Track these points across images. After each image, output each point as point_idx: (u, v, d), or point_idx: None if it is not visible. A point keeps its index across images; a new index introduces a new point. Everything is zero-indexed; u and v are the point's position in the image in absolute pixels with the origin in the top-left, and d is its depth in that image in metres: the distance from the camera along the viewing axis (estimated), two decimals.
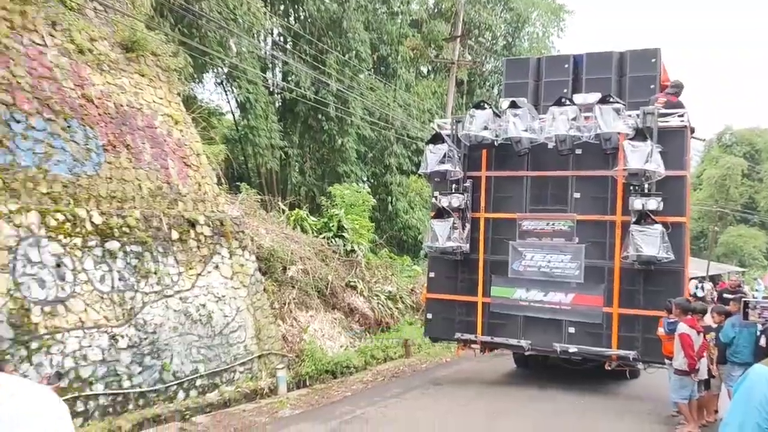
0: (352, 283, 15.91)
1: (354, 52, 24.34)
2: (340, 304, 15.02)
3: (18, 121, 8.41)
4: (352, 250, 16.93)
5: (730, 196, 47.29)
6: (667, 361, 8.95)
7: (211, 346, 10.16)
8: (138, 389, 8.72)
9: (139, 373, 8.83)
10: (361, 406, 9.36)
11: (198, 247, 10.46)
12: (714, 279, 34.72)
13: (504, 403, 9.46)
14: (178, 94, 12.06)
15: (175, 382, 9.34)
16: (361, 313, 15.46)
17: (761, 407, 2.30)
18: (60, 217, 8.32)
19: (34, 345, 7.56)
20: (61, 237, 8.24)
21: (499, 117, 10.50)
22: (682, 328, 8.04)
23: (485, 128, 10.38)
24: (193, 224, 10.50)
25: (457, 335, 10.85)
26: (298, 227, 16.75)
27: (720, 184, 46.74)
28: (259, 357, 11.06)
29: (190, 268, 10.17)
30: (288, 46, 25.55)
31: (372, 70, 25.44)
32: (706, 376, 8.52)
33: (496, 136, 10.39)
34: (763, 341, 8.19)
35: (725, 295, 13.40)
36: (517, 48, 28.45)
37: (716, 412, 8.78)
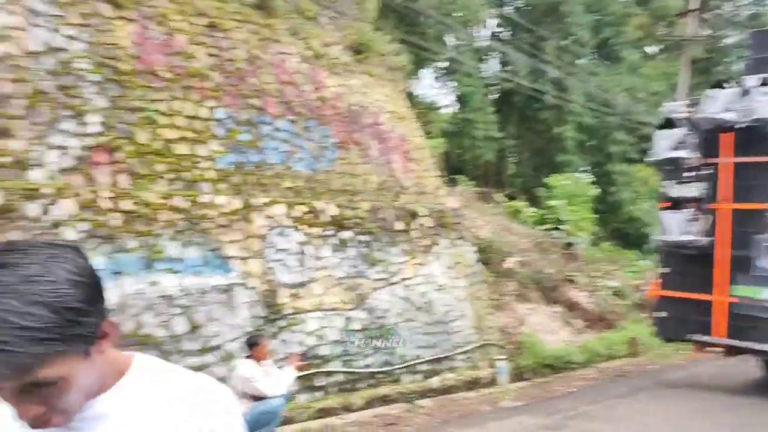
0: (572, 277, 15.44)
1: (573, 36, 23.48)
2: (559, 298, 14.66)
3: (267, 124, 9.44)
4: (572, 243, 16.43)
5: None
6: None
7: (432, 333, 10.53)
8: (368, 369, 9.34)
9: (370, 354, 9.45)
10: (584, 403, 9.07)
11: (420, 238, 10.88)
12: None
13: (749, 415, 8.53)
14: (403, 91, 12.62)
15: (401, 366, 9.83)
16: (582, 308, 14.94)
17: None
18: (303, 209, 9.20)
19: (281, 323, 8.47)
20: (304, 227, 9.11)
21: (744, 96, 9.44)
22: None
23: (727, 110, 9.40)
24: (415, 216, 10.94)
25: (693, 336, 10.01)
26: (515, 219, 16.67)
27: None
28: (480, 347, 11.21)
29: (413, 258, 10.62)
30: (504, 37, 25.40)
31: (593, 54, 24.30)
32: None
33: (741, 117, 9.35)
34: None
35: None
36: (765, 17, 25.27)
37: None
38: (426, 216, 11.11)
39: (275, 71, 9.97)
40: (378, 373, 9.47)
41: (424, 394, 9.64)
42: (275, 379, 6.75)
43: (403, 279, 10.33)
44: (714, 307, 9.79)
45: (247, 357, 6.79)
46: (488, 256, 13.09)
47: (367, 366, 9.36)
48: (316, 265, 9.18)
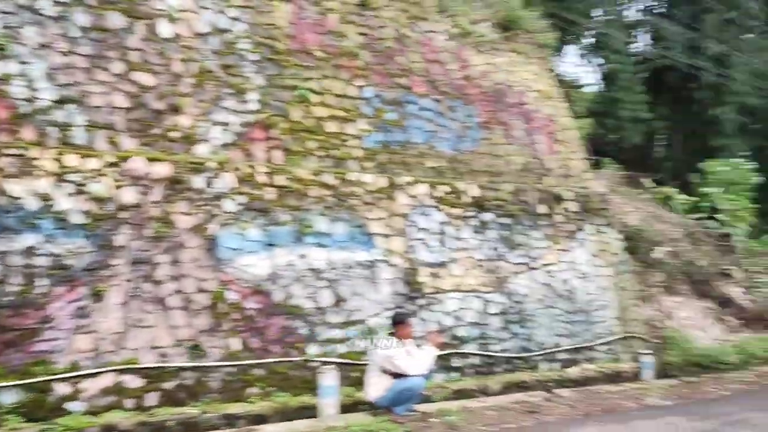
0: (726, 271, 14.29)
1: (739, 10, 21.44)
2: (711, 293, 13.62)
3: (412, 103, 9.45)
4: (728, 234, 15.19)
5: None
6: None
7: (573, 322, 10.16)
8: (505, 354, 9.19)
9: (507, 339, 9.29)
10: (745, 408, 8.37)
11: (564, 222, 10.50)
12: None
13: None
14: (550, 69, 12.17)
15: (539, 353, 9.59)
16: (738, 304, 13.80)
17: None
18: (445, 189, 9.16)
19: (421, 302, 8.52)
20: (445, 207, 9.07)
21: None
22: None
23: None
24: (559, 199, 10.56)
25: None
26: (665, 206, 15.66)
27: None
28: (622, 338, 10.69)
29: (556, 243, 10.27)
30: (658, 10, 23.74)
31: (763, 27, 22.10)
32: None
33: None
34: None
35: None
36: None
37: None
38: (571, 200, 10.69)
39: (422, 50, 9.94)
40: (515, 358, 9.31)
41: (562, 383, 9.34)
42: (416, 358, 6.80)
43: (545, 264, 10.03)
44: None
45: (391, 334, 6.89)
46: (635, 244, 12.38)
47: (504, 350, 9.22)
48: (456, 246, 9.13)
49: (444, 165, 9.51)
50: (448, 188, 9.23)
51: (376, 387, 6.76)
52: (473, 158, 9.93)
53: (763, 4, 21.91)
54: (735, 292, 14.00)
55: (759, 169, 21.03)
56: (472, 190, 9.51)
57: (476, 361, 8.90)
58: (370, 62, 9.20)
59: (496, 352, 9.09)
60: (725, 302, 13.65)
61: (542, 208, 10.27)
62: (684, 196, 16.47)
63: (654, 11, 24.18)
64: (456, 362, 8.67)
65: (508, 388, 8.71)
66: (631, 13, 24.53)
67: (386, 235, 8.42)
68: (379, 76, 9.20)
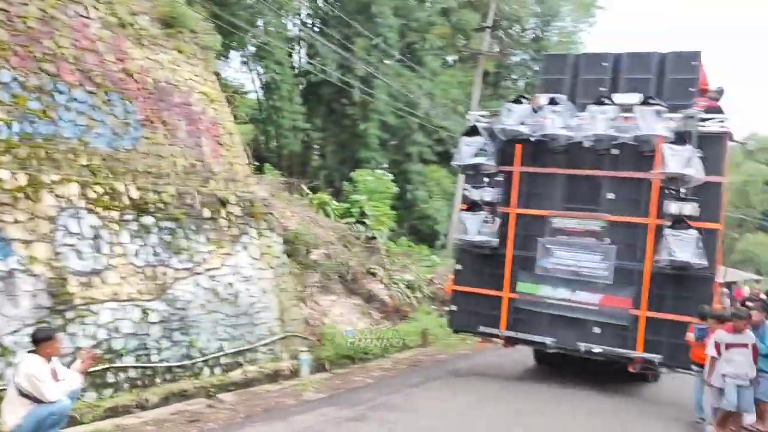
0: (372, 270, 15.96)
1: (382, 37, 24.22)
2: (360, 290, 15.08)
3: (61, 92, 8.45)
4: (373, 237, 16.98)
5: (750, 202, 46.87)
6: (694, 367, 8.93)
7: (236, 326, 10.24)
8: (165, 363, 8.80)
9: (168, 348, 8.91)
10: (384, 393, 9.42)
11: (228, 227, 10.51)
12: (729, 285, 34.53)
13: (530, 400, 9.48)
14: (215, 73, 12.08)
15: (201, 359, 9.42)
16: (380, 300, 15.52)
17: None
18: (99, 189, 8.39)
19: (69, 315, 7.65)
20: (99, 209, 8.31)
21: (536, 112, 10.43)
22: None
23: (522, 123, 10.32)
24: (224, 203, 10.55)
25: (481, 328, 10.87)
26: (321, 211, 16.81)
27: (741, 190, 46.29)
28: (282, 338, 11.13)
29: (220, 247, 10.23)
30: (316, 29, 25.46)
31: (399, 56, 25.30)
32: None
33: (533, 131, 10.33)
34: None
35: (748, 303, 13.29)
36: (545, 42, 28.24)
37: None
38: (235, 204, 10.75)
39: (74, 35, 8.96)
40: (176, 367, 8.98)
41: (225, 387, 9.35)
42: (62, 380, 6.07)
43: (209, 269, 9.90)
44: (502, 302, 10.71)
45: (32, 352, 6.02)
46: (295, 247, 13.04)
47: (165, 360, 8.83)
48: (113, 252, 8.43)
49: (99, 163, 8.71)
50: (103, 189, 8.47)
51: (14, 414, 5.83)
52: (133, 157, 9.30)
53: (398, 36, 25.05)
54: (378, 288, 15.71)
55: (395, 180, 24.02)
56: (131, 192, 8.90)
57: (134, 374, 8.34)
58: (8, 41, 7.95)
59: (155, 362, 8.64)
60: (370, 298, 15.22)
61: (207, 212, 10.13)
62: (336, 203, 17.87)
63: (313, 27, 25.83)
64: (111, 377, 8.00)
65: (169, 399, 8.37)
66: (292, 27, 25.84)
67: (27, 241, 7.35)
68: (18, 58, 8.01)
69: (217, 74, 19.94)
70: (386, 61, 25.14)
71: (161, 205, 9.29)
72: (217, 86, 11.90)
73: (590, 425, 8.43)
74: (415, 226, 25.93)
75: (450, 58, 29.68)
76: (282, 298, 11.44)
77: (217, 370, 9.69)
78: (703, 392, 8.68)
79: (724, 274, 33.16)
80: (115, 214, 8.55)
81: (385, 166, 27.44)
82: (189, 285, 9.47)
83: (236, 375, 9.84)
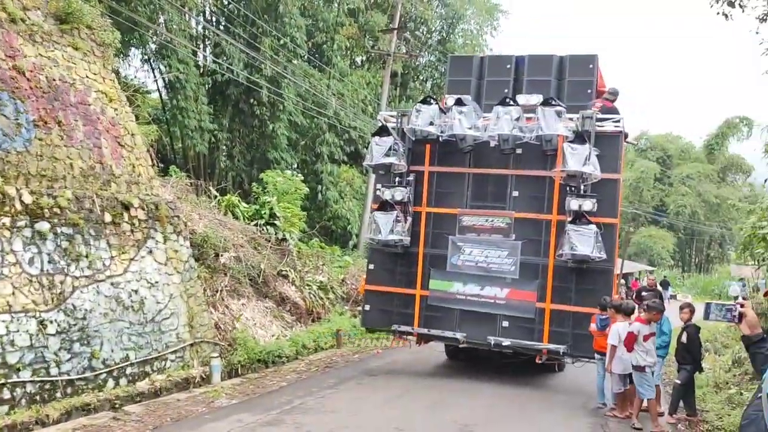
0: (283, 272, 15.76)
1: (289, 37, 23.99)
2: (271, 293, 14.85)
3: None
4: (284, 239, 16.76)
5: (643, 198, 49.86)
6: (597, 355, 9.37)
7: (142, 334, 9.84)
8: (66, 377, 8.35)
9: (68, 360, 8.45)
10: (298, 396, 9.32)
11: (132, 231, 10.09)
12: (626, 277, 36.54)
13: (440, 394, 9.66)
14: (113, 71, 11.56)
15: (105, 370, 9.00)
16: (293, 302, 15.36)
17: None
18: None
19: None
20: None
21: (444, 113, 10.64)
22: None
23: (431, 123, 10.49)
24: (127, 207, 10.11)
25: (394, 326, 10.97)
26: (229, 213, 16.42)
27: (635, 187, 49.16)
28: (192, 345, 10.81)
29: (123, 253, 9.80)
30: (221, 27, 24.89)
31: (307, 56, 25.16)
32: (630, 370, 8.90)
33: (441, 132, 10.52)
34: (684, 338, 8.75)
35: (644, 293, 14.13)
36: (451, 44, 28.83)
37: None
38: (139, 208, 10.33)
39: None
40: (78, 380, 8.53)
41: (132, 398, 8.99)
42: None
43: (111, 276, 9.46)
44: (415, 300, 10.85)
45: None
46: (203, 251, 12.68)
47: (65, 373, 8.36)
48: (5, 261, 7.90)
49: None
50: None
51: None
52: (25, 160, 8.75)
53: (306, 36, 24.91)
54: (290, 291, 15.53)
55: (306, 180, 23.86)
56: (24, 196, 8.36)
57: (32, 389, 7.85)
58: None
59: (55, 376, 8.17)
60: (282, 301, 15.02)
61: (108, 217, 9.67)
62: (246, 205, 17.53)
63: (218, 26, 25.22)
64: (7, 394, 7.49)
65: (72, 414, 7.95)
66: (196, 25, 25.13)
67: None
68: None
69: (116, 72, 19.14)
70: (294, 61, 24.93)
71: (57, 210, 8.78)
72: (117, 85, 11.40)
73: (496, 414, 8.69)
74: (327, 226, 25.86)
75: (359, 59, 29.78)
76: (191, 303, 11.10)
77: (123, 381, 9.29)
78: (605, 379, 9.14)
79: (621, 266, 35.11)
80: (6, 220, 8.01)
81: (295, 166, 27.24)
82: (90, 293, 9.01)
83: (143, 385, 9.46)
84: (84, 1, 11.22)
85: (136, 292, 9.85)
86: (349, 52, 27.49)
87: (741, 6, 12.26)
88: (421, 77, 30.08)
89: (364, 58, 29.57)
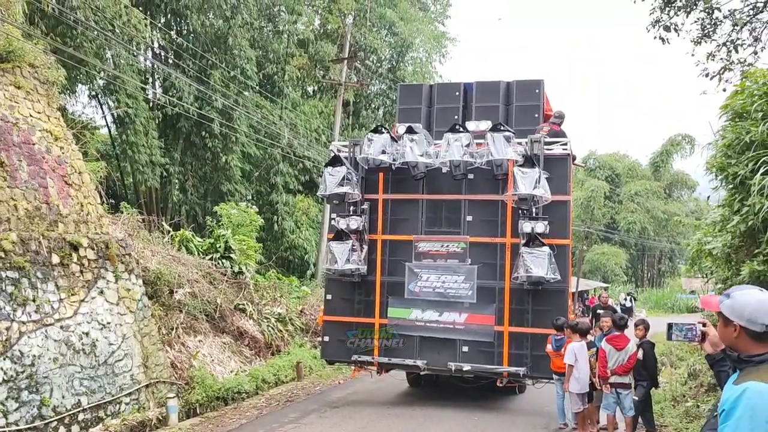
0: (241, 306, 15.53)
1: (239, 69, 23.98)
2: (229, 328, 14.60)
3: None
4: (240, 272, 16.55)
5: (594, 216, 50.99)
6: (555, 376, 9.46)
7: (94, 377, 9.54)
8: (15, 427, 8.01)
9: (16, 409, 8.12)
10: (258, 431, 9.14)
11: (81, 272, 9.82)
12: (582, 294, 37.15)
13: (404, 424, 9.58)
14: (58, 109, 11.34)
15: (56, 418, 8.68)
16: (251, 336, 15.12)
17: None
18: None
19: None
20: None
21: (396, 141, 10.74)
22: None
23: (383, 152, 10.57)
24: (75, 247, 9.85)
25: (354, 357, 10.88)
26: (183, 248, 16.15)
27: (585, 206, 50.27)
28: (147, 386, 10.52)
29: (73, 294, 9.53)
30: (170, 61, 24.72)
31: (258, 87, 25.15)
32: (588, 389, 9.00)
33: (394, 160, 10.61)
34: (640, 354, 8.91)
35: (598, 311, 14.35)
36: (401, 72, 29.21)
37: (597, 422, 9.37)
38: (88, 247, 10.07)
39: None
40: (27, 429, 8.19)
41: None
42: None
43: (60, 319, 9.18)
44: (374, 329, 10.80)
45: None
46: (157, 288, 12.42)
47: (14, 423, 8.03)
48: None
49: None
50: None
51: None
52: None
53: (256, 67, 24.94)
54: (248, 324, 15.29)
55: (262, 211, 23.69)
56: None
57: None
58: None
59: (2, 427, 7.83)
60: (240, 335, 14.78)
61: (55, 258, 9.40)
62: (199, 239, 17.27)
63: (167, 60, 25.04)
64: None
65: None
66: (144, 60, 24.90)
67: None
68: None
69: (63, 110, 18.77)
70: (246, 93, 24.88)
71: (1, 254, 8.50)
72: (62, 123, 11.17)
73: None
74: (284, 257, 25.66)
75: (310, 89, 29.90)
76: (145, 342, 10.83)
77: (75, 429, 8.97)
78: (565, 399, 9.22)
79: (576, 284, 35.72)
80: None
81: (250, 198, 27.04)
82: (38, 338, 8.71)
83: (97, 431, 9.15)
84: (26, 39, 11.04)
85: (87, 334, 9.57)
86: (300, 82, 27.60)
87: (677, 30, 12.80)
88: (373, 105, 30.33)
89: (316, 87, 29.72)
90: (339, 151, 11.24)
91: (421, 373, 10.88)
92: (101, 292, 10.10)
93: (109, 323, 10.04)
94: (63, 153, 10.63)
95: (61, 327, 9.17)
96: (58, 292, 9.27)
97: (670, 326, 3.43)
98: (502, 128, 10.25)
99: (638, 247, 56.62)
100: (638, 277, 59.43)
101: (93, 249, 10.15)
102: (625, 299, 38.48)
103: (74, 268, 9.68)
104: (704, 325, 3.31)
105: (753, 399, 2.64)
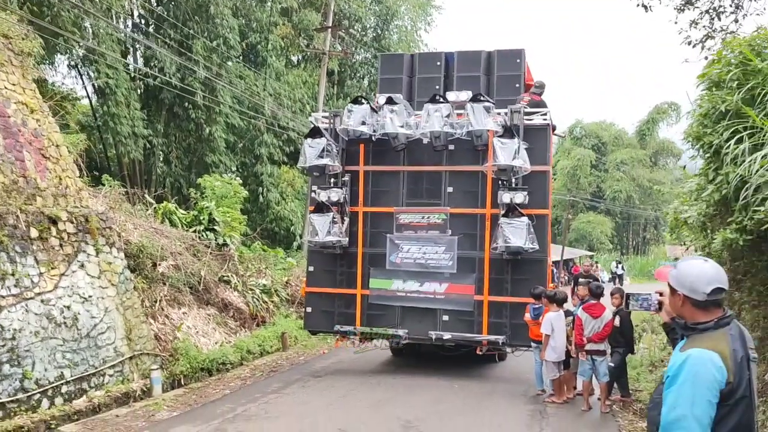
0: (225, 278, 15.56)
1: (222, 38, 23.67)
2: (213, 300, 14.65)
3: None
4: (225, 244, 16.54)
5: (580, 185, 51.27)
6: (533, 344, 9.62)
7: (77, 350, 9.58)
8: None
9: None
10: (241, 403, 9.25)
11: (61, 246, 9.79)
12: (567, 263, 37.53)
13: (385, 392, 9.74)
14: (34, 80, 11.17)
15: (38, 390, 8.72)
16: (236, 307, 15.19)
17: (711, 387, 2.68)
18: None
19: None
20: None
21: (376, 112, 10.70)
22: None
23: (363, 123, 10.54)
24: (54, 221, 9.80)
25: (337, 327, 10.99)
26: (167, 221, 16.10)
27: (572, 174, 50.50)
28: (131, 358, 10.58)
29: (53, 268, 9.50)
30: (151, 30, 24.33)
31: (241, 57, 24.87)
32: (564, 357, 9.15)
33: (374, 131, 10.58)
34: (617, 321, 9.06)
35: (580, 280, 14.51)
36: (386, 41, 28.95)
37: (575, 388, 9.56)
38: (67, 221, 10.03)
39: None
40: (10, 402, 8.24)
41: (69, 418, 8.73)
42: None
43: (40, 293, 9.17)
44: (356, 300, 10.90)
45: None
46: (139, 261, 12.39)
47: None
48: None
49: None
50: None
51: None
52: None
53: (239, 36, 24.61)
54: (233, 296, 15.35)
55: (247, 183, 23.62)
56: None
57: None
58: None
59: None
60: (225, 307, 14.84)
61: (34, 232, 9.36)
62: (183, 211, 17.22)
63: (147, 29, 24.66)
64: None
65: None
66: (124, 29, 24.51)
67: None
68: None
69: (42, 81, 18.49)
70: (229, 63, 24.60)
71: None
72: (38, 95, 11.02)
73: (440, 408, 8.83)
74: (270, 228, 25.66)
75: (294, 58, 29.60)
76: (128, 315, 10.86)
77: (59, 401, 9.02)
78: (543, 366, 9.39)
79: (561, 252, 36.06)
80: None
81: (235, 169, 26.91)
82: (18, 312, 8.71)
83: (80, 403, 9.21)
84: (0, 10, 10.84)
85: (68, 308, 9.58)
86: (284, 51, 27.28)
87: None
88: (358, 75, 30.11)
89: (300, 57, 29.43)
90: (319, 122, 11.19)
91: (402, 342, 11.01)
92: (82, 266, 10.09)
93: (90, 296, 10.05)
94: (39, 126, 10.51)
95: (42, 301, 9.17)
96: (37, 266, 9.24)
97: (627, 296, 3.54)
98: (481, 98, 10.24)
99: (624, 216, 57.09)
100: (624, 245, 60.02)
101: (72, 223, 10.11)
102: (617, 267, 39.06)
103: (53, 242, 9.65)
104: (661, 294, 3.42)
105: (695, 365, 2.76)
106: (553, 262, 30.12)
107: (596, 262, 38.62)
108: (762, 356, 7.90)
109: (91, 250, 10.37)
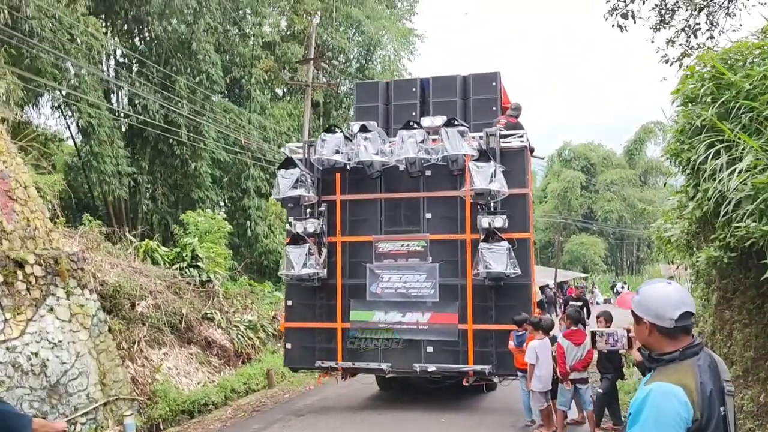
0: (209, 315, 15.22)
1: (205, 74, 23.65)
2: (196, 338, 14.30)
3: None
4: (209, 280, 16.23)
5: (571, 206, 51.16)
6: (519, 373, 9.28)
7: (46, 399, 9.22)
8: None
9: None
10: None
11: (28, 290, 9.48)
12: (561, 285, 37.18)
13: (370, 429, 9.37)
14: (2, 121, 10.98)
15: None
16: (220, 345, 14.83)
17: (675, 424, 2.43)
18: None
19: None
20: None
21: (351, 141, 10.51)
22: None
23: (337, 152, 10.33)
24: (21, 264, 9.50)
25: (318, 363, 10.63)
26: (148, 259, 15.80)
27: (562, 196, 50.41)
28: (105, 404, 10.21)
29: (19, 314, 9.19)
30: (133, 69, 24.31)
31: (225, 92, 24.82)
32: (551, 387, 8.80)
33: (348, 159, 10.37)
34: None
35: (570, 303, 14.25)
36: (370, 70, 29.02)
37: (565, 417, 9.19)
38: (35, 264, 9.74)
39: None
40: None
41: None
42: None
43: (6, 340, 8.84)
44: (337, 333, 10.56)
45: None
46: (116, 302, 12.07)
47: None
48: None
49: None
50: None
51: None
52: None
53: (222, 71, 24.59)
54: (216, 334, 14.99)
55: (231, 217, 23.37)
56: None
57: None
58: None
59: None
60: (208, 345, 14.48)
61: None
62: (165, 248, 16.94)
63: (129, 69, 24.63)
64: None
65: None
66: (106, 69, 24.49)
67: None
68: None
69: (25, 124, 18.32)
70: (213, 98, 24.54)
71: None
72: (5, 136, 10.81)
73: None
74: (259, 262, 25.37)
75: (279, 91, 29.61)
76: (102, 359, 10.51)
77: None
78: (530, 396, 9.04)
79: (555, 275, 35.76)
80: None
81: (222, 204, 26.71)
82: None
83: None
84: None
85: (36, 354, 9.24)
86: (268, 84, 27.30)
87: (634, 18, 12.68)
88: (343, 105, 30.11)
89: (285, 90, 29.44)
90: (293, 152, 10.99)
91: (386, 376, 10.65)
92: (51, 310, 9.77)
93: (60, 341, 9.72)
94: (6, 167, 10.27)
95: (7, 348, 8.84)
96: (2, 312, 8.93)
97: (593, 334, 3.26)
98: (456, 123, 10.05)
99: (616, 236, 56.89)
100: (618, 265, 59.73)
101: (41, 265, 9.82)
102: (622, 287, 38.82)
103: (20, 286, 9.35)
104: (629, 331, 3.16)
105: (657, 401, 2.51)
106: (544, 286, 29.81)
107: (592, 283, 38.33)
108: (756, 377, 7.59)
109: (61, 293, 10.06)
